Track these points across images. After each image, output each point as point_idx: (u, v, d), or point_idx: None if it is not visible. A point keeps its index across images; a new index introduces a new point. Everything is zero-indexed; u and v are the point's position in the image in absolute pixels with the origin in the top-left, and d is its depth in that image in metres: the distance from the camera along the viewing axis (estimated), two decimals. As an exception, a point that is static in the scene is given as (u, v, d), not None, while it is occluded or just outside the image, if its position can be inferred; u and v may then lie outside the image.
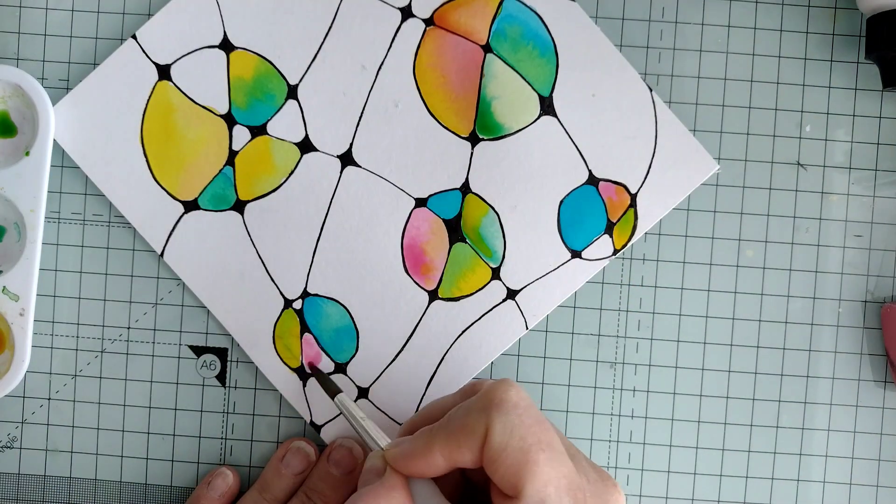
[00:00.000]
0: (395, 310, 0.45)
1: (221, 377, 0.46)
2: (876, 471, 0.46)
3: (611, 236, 0.45)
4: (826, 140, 0.46)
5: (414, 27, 0.45)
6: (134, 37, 0.45)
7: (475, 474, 0.39)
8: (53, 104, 0.45)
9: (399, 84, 0.45)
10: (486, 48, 0.45)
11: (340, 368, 0.45)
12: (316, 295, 0.45)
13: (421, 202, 0.45)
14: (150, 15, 0.46)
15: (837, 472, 0.46)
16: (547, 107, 0.45)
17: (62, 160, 0.46)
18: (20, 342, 0.45)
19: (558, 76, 0.45)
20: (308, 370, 0.45)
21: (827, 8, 0.46)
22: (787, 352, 0.46)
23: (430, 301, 0.45)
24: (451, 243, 0.45)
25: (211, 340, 0.46)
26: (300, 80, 0.45)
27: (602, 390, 0.46)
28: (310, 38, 0.45)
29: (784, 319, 0.46)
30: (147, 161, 0.45)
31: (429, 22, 0.45)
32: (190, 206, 0.45)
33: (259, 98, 0.45)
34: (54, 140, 0.45)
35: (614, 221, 0.45)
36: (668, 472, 0.46)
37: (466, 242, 0.45)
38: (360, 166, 0.45)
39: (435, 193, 0.45)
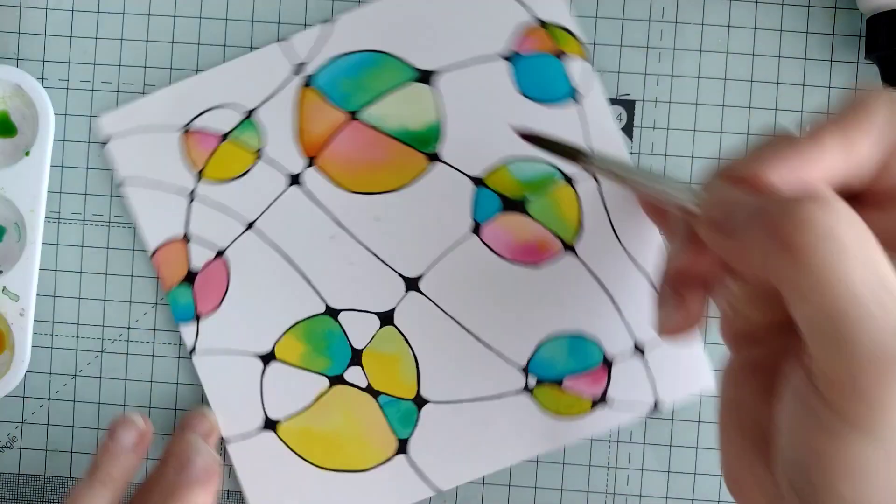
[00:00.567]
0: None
1: (221, 377, 0.46)
2: (876, 471, 0.46)
3: None
4: (826, 140, 0.46)
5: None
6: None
7: None
8: (54, 105, 0.45)
9: None
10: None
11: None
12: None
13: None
14: (150, 15, 0.46)
15: (837, 472, 0.45)
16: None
17: (62, 160, 0.46)
18: (20, 342, 0.45)
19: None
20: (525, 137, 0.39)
21: (827, 8, 0.46)
22: (787, 352, 0.46)
23: None
24: None
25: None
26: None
27: (602, 390, 0.46)
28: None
29: (784, 319, 0.46)
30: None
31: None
32: None
33: None
34: (55, 140, 0.45)
35: None
36: (668, 472, 0.46)
37: None
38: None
39: None
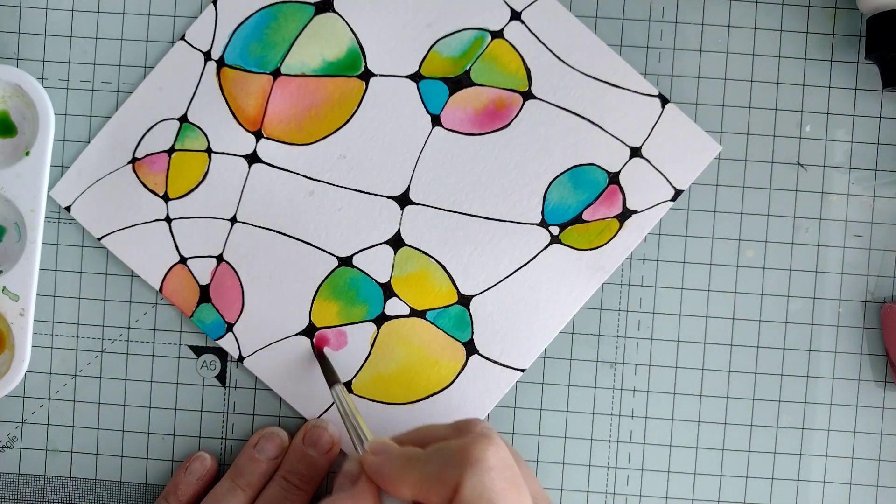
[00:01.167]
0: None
1: (221, 377, 0.46)
2: (876, 471, 0.46)
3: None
4: (826, 140, 0.46)
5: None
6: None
7: None
8: (54, 105, 0.45)
9: None
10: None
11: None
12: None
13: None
14: (150, 14, 0.46)
15: (837, 472, 0.46)
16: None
17: (62, 160, 0.46)
18: (20, 342, 0.45)
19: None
20: (315, 349, 0.45)
21: (827, 8, 0.46)
22: (787, 352, 0.46)
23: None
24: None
25: (211, 340, 0.46)
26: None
27: (602, 390, 0.46)
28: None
29: (784, 319, 0.46)
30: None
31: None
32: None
33: None
34: (55, 140, 0.45)
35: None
36: (668, 472, 0.46)
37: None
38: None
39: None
